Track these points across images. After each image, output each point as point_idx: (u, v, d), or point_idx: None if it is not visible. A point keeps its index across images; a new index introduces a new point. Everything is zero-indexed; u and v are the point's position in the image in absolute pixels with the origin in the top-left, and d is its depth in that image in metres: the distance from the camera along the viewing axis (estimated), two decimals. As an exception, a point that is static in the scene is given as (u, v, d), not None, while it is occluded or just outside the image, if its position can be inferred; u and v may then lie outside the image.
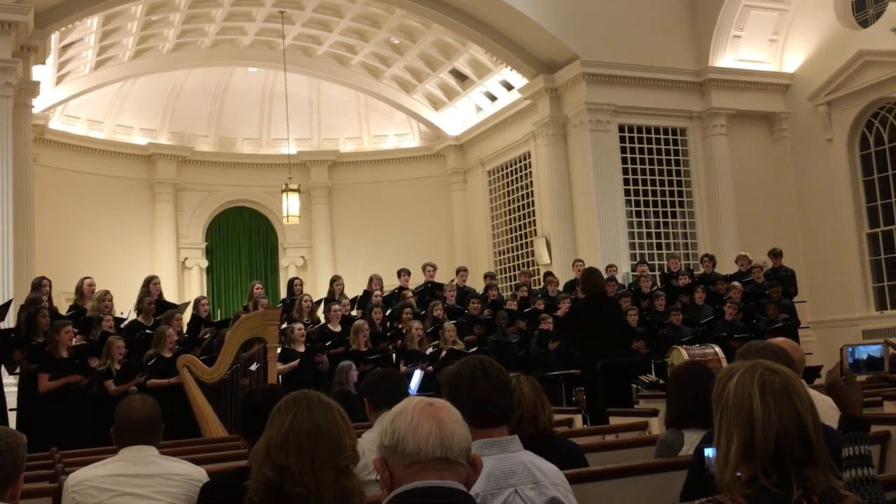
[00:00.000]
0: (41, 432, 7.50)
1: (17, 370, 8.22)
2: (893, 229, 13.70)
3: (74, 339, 8.48)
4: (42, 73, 13.39)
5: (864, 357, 2.76)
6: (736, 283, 11.45)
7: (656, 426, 5.43)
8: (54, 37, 13.31)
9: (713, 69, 14.76)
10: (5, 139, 11.05)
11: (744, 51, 15.07)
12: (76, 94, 15.56)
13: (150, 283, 9.99)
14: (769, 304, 11.10)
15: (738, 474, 1.80)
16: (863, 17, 14.10)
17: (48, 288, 9.37)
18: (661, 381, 8.16)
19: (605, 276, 11.85)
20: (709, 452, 2.15)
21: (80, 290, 9.61)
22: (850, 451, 2.23)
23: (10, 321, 8.83)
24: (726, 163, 14.76)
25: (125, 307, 10.08)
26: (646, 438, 4.92)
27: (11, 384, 8.67)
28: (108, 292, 9.34)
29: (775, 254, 12.29)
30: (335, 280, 11.16)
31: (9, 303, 8.89)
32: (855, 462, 2.22)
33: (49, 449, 5.78)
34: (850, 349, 2.72)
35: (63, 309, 10.30)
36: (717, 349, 8.49)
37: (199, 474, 3.18)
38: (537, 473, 2.36)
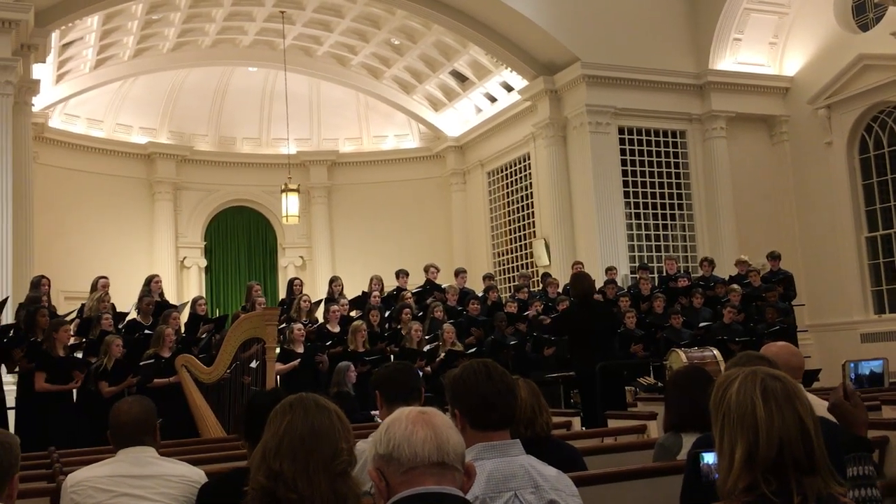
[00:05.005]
0: (38, 431, 7.52)
1: (17, 369, 8.22)
2: (892, 233, 13.71)
3: (73, 339, 8.48)
4: (42, 71, 13.38)
5: (867, 373, 2.74)
6: (735, 286, 11.44)
7: (654, 429, 5.42)
8: (54, 35, 13.29)
9: (713, 72, 14.77)
10: (5, 137, 11.05)
11: (744, 54, 15.08)
12: (76, 92, 15.56)
13: (152, 282, 10.03)
14: (767, 307, 11.09)
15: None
16: (863, 20, 14.10)
17: (47, 287, 9.39)
18: (659, 384, 8.15)
19: (605, 279, 11.89)
20: (709, 458, 2.12)
21: (95, 287, 9.64)
22: (854, 472, 2.23)
23: (7, 319, 8.83)
24: (725, 166, 14.76)
25: (123, 307, 10.10)
26: (644, 442, 4.92)
27: (10, 383, 8.68)
28: (106, 293, 9.41)
29: (774, 257, 12.29)
30: (334, 281, 11.16)
31: (4, 300, 8.88)
32: (859, 482, 2.21)
33: (47, 448, 5.76)
34: (852, 365, 2.71)
35: (62, 308, 10.30)
36: (716, 352, 8.47)
37: (197, 475, 3.17)
38: (538, 478, 2.35)
